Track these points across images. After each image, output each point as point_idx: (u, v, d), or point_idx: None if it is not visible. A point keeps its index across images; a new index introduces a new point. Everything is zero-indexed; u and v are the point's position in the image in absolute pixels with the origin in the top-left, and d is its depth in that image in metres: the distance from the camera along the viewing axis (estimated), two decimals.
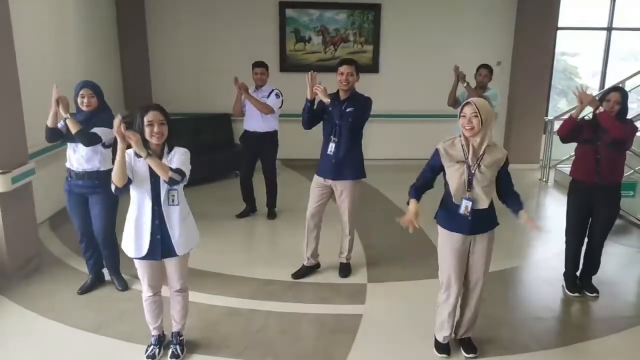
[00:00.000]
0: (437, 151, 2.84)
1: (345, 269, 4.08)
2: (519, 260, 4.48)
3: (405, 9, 7.41)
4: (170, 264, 2.87)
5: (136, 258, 2.80)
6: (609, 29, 7.79)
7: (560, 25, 7.61)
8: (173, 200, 2.75)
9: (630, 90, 6.96)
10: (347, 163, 3.80)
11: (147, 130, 2.62)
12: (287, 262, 4.19)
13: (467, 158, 2.74)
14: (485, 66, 5.22)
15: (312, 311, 3.56)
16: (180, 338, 3.06)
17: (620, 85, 6.81)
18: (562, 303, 3.77)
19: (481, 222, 2.83)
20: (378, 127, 7.45)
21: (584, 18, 8.05)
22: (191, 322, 3.16)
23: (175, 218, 2.76)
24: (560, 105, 8.68)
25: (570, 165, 3.83)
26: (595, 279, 3.89)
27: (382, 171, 7.24)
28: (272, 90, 5.07)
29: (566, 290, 3.87)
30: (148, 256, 2.78)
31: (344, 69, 3.68)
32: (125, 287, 3.83)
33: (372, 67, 7.55)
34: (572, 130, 3.62)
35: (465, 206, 2.78)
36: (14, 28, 3.98)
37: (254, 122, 5.14)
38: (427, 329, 3.20)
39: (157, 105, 2.72)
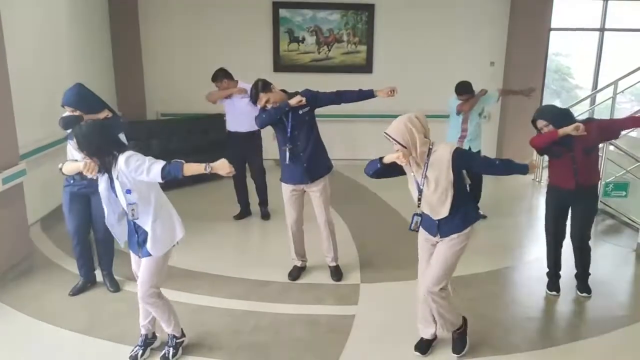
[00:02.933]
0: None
1: (337, 273, 4.04)
2: (511, 261, 4.48)
3: (398, 9, 7.41)
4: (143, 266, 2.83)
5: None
6: (602, 30, 7.82)
7: (553, 26, 7.64)
8: (133, 215, 2.69)
9: (623, 91, 7.01)
10: (315, 160, 3.76)
11: None
12: (280, 263, 4.17)
13: (413, 174, 2.77)
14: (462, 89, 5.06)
15: (304, 312, 3.55)
16: (177, 341, 3.02)
17: (613, 85, 6.85)
18: (553, 303, 3.78)
19: (448, 228, 2.81)
20: (372, 128, 7.44)
21: (577, 19, 8.08)
22: (183, 323, 3.14)
23: (145, 225, 2.73)
24: None
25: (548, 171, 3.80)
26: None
27: None
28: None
29: (546, 289, 3.87)
30: (132, 249, 2.88)
31: (263, 96, 3.59)
32: (117, 288, 3.80)
33: (366, 67, 7.55)
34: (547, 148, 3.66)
35: (415, 222, 2.83)
36: (4, 28, 3.95)
37: (240, 122, 5.10)
38: None
39: None
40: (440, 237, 2.83)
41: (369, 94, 3.76)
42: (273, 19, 7.33)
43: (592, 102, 7.48)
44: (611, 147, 5.50)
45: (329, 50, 7.51)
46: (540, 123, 3.51)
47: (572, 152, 3.49)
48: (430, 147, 2.74)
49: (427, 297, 2.87)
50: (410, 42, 7.51)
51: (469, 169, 2.75)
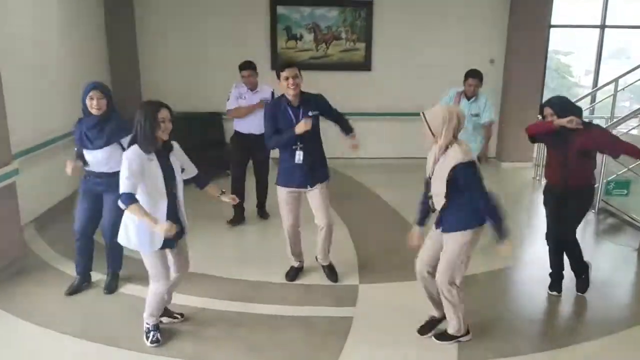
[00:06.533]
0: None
1: (332, 273, 3.99)
2: (511, 261, 4.43)
3: (397, 6, 7.35)
4: (184, 244, 3.15)
5: (159, 249, 2.93)
6: (602, 27, 7.77)
7: (553, 23, 7.59)
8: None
9: (623, 89, 6.97)
10: (319, 165, 3.74)
11: (162, 126, 2.91)
12: (277, 264, 4.12)
13: (430, 163, 2.89)
14: (475, 74, 4.83)
15: (302, 313, 3.50)
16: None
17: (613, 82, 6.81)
18: (554, 304, 3.73)
19: (445, 221, 2.93)
20: (371, 126, 7.39)
21: (577, 16, 8.03)
22: (179, 325, 3.10)
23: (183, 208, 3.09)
24: None
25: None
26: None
27: (375, 170, 7.20)
28: (272, 90, 5.00)
29: (547, 290, 3.80)
30: (168, 245, 2.95)
31: (288, 72, 3.47)
32: (115, 290, 3.75)
33: (365, 65, 7.49)
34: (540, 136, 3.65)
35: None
36: None
37: (251, 124, 4.99)
38: None
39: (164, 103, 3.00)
40: (437, 228, 2.98)
41: (348, 131, 3.90)
42: (271, 16, 7.27)
43: (592, 100, 7.43)
44: None
45: (327, 48, 7.44)
46: (547, 111, 3.48)
47: (567, 152, 3.42)
48: (450, 145, 2.77)
49: (441, 288, 3.00)
50: (409, 40, 7.46)
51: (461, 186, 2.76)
